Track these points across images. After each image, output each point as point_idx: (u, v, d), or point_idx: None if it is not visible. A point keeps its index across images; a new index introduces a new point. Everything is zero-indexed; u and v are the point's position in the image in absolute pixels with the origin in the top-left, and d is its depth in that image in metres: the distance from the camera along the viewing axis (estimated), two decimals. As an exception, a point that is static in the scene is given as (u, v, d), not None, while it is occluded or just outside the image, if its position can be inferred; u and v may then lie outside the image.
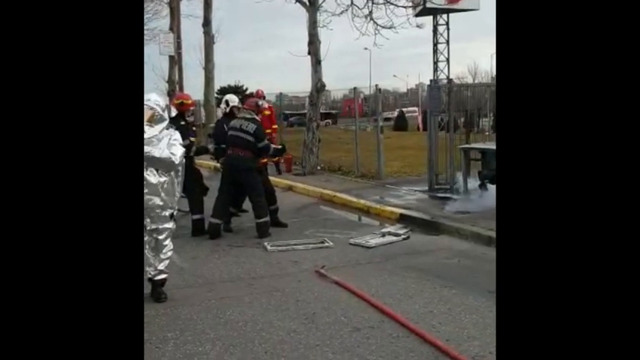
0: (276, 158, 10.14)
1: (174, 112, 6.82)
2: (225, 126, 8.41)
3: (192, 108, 7.22)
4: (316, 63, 11.98)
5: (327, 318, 4.03)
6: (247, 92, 32.99)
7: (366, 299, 4.35)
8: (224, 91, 25.27)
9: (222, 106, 8.67)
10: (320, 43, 11.99)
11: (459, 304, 4.24)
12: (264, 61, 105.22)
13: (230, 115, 8.55)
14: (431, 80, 10.34)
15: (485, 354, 3.35)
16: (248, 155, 6.77)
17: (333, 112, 40.30)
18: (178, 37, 18.17)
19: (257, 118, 7.00)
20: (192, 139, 6.90)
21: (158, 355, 3.44)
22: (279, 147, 7.81)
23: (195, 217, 6.91)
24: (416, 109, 37.64)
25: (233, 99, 8.74)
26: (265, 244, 6.30)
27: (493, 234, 6.13)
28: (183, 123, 6.65)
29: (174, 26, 18.56)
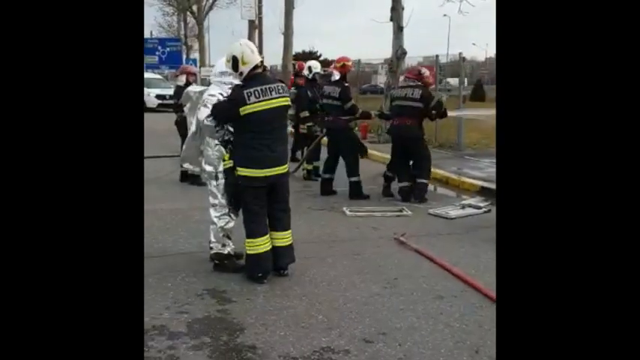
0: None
1: (337, 75, 7.12)
2: (308, 92, 8.62)
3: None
4: (398, 30, 11.77)
5: (409, 284, 4.10)
6: (321, 58, 33.10)
7: (447, 268, 4.38)
8: (298, 57, 25.36)
9: (305, 72, 8.87)
10: (403, 9, 11.74)
11: (544, 280, 4.18)
12: (340, 27, 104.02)
13: (313, 81, 8.76)
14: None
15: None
16: (414, 124, 6.96)
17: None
18: (260, 2, 18.34)
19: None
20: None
21: (250, 307, 3.66)
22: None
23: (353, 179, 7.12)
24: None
25: (316, 65, 8.92)
26: (344, 209, 6.42)
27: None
28: (347, 84, 7.11)
29: (255, -10, 18.73)
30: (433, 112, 7.07)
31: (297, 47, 29.03)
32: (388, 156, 7.66)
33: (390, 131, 7.32)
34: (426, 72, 7.32)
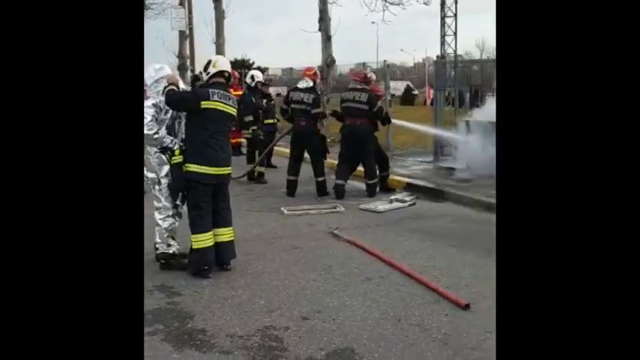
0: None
1: (311, 83, 7.72)
2: (252, 99, 9.20)
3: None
4: (326, 39, 12.34)
5: (342, 270, 4.56)
6: (254, 66, 33.38)
7: (376, 255, 4.87)
8: (230, 65, 25.54)
9: (248, 80, 9.50)
10: (330, 19, 12.32)
11: (459, 260, 4.76)
12: (271, 35, 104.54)
13: (255, 89, 9.39)
14: (437, 56, 10.69)
15: (480, 298, 3.86)
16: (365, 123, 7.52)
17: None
18: (190, 12, 18.43)
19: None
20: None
21: (197, 298, 3.99)
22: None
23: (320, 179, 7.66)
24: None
25: (258, 74, 9.56)
26: (282, 208, 6.82)
27: (493, 200, 6.60)
28: (318, 92, 7.87)
29: (185, 1, 18.80)
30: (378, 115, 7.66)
31: (230, 56, 29.20)
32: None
33: (342, 130, 7.83)
34: (372, 76, 7.98)
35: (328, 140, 8.29)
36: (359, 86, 7.62)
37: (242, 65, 31.26)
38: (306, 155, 7.83)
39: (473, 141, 8.12)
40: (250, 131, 9.16)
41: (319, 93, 8.03)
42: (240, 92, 9.99)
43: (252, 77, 9.40)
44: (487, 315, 3.59)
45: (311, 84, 7.69)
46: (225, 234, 4.57)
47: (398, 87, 34.87)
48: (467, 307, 3.69)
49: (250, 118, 9.04)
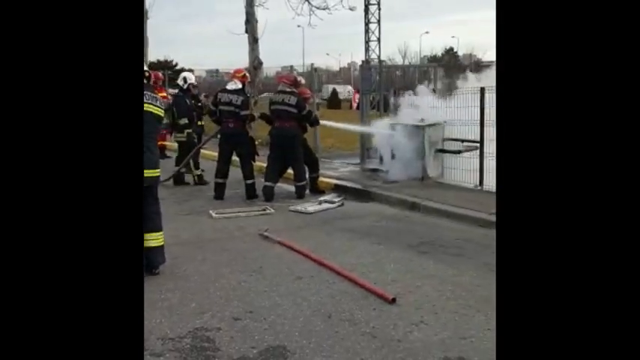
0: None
1: (240, 84, 7.69)
2: (186, 101, 9.08)
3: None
4: (253, 41, 12.34)
5: (273, 270, 4.61)
6: (177, 67, 32.67)
7: (305, 254, 4.97)
8: (152, 66, 24.90)
9: (180, 82, 9.33)
10: (257, 21, 12.34)
11: (385, 257, 4.95)
12: (197, 36, 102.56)
13: (187, 91, 9.26)
14: (362, 61, 11.00)
15: (405, 292, 4.05)
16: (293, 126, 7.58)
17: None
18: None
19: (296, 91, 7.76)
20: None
21: (124, 303, 3.90)
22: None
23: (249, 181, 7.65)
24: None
25: (190, 76, 9.42)
26: (210, 211, 6.77)
27: (416, 200, 6.94)
28: (247, 94, 7.91)
29: None
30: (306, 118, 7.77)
31: (153, 57, 28.41)
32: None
33: (270, 132, 7.84)
34: (302, 80, 8.08)
35: (257, 142, 8.31)
36: (288, 89, 7.70)
37: (165, 67, 30.48)
38: (235, 158, 7.81)
39: (395, 143, 8.42)
40: (185, 134, 8.93)
41: (248, 95, 8.03)
42: (165, 94, 9.80)
43: (185, 79, 9.17)
44: (412, 308, 3.78)
45: (240, 85, 7.70)
46: (155, 239, 4.49)
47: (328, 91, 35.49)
48: (393, 301, 3.86)
49: (185, 120, 8.87)
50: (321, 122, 9.01)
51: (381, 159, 9.15)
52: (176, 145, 9.47)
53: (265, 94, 13.44)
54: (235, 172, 7.88)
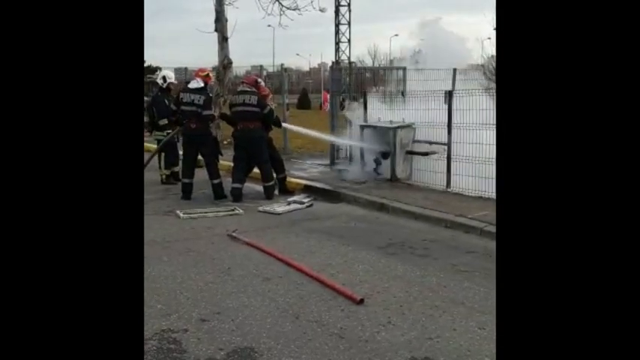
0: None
1: (202, 83, 7.62)
2: (166, 101, 8.92)
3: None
4: (223, 40, 12.21)
5: (241, 271, 4.58)
6: (145, 65, 32.14)
7: (274, 255, 4.95)
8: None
9: (160, 81, 9.13)
10: (227, 20, 12.22)
11: (354, 258, 4.97)
12: (165, 34, 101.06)
13: (167, 90, 9.12)
14: (333, 62, 11.06)
15: (373, 293, 4.08)
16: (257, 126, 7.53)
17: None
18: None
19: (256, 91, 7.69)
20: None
21: (88, 305, 3.81)
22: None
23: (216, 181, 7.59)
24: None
25: (170, 75, 9.26)
26: (177, 212, 6.68)
27: (385, 201, 7.00)
28: (210, 94, 7.88)
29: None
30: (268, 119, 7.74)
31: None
32: (221, 162, 8.13)
33: (234, 134, 7.78)
34: (262, 82, 8.07)
35: (224, 143, 8.26)
36: (248, 89, 7.66)
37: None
38: (201, 157, 7.74)
39: (365, 144, 8.49)
40: (165, 134, 8.70)
41: (210, 94, 7.94)
42: None
43: (165, 78, 8.99)
44: (380, 308, 3.81)
45: (202, 84, 7.61)
46: None
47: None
48: (361, 301, 3.88)
49: (165, 121, 8.70)
50: (283, 125, 9.02)
51: (351, 159, 9.20)
52: (155, 144, 9.22)
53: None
54: (203, 173, 7.80)
